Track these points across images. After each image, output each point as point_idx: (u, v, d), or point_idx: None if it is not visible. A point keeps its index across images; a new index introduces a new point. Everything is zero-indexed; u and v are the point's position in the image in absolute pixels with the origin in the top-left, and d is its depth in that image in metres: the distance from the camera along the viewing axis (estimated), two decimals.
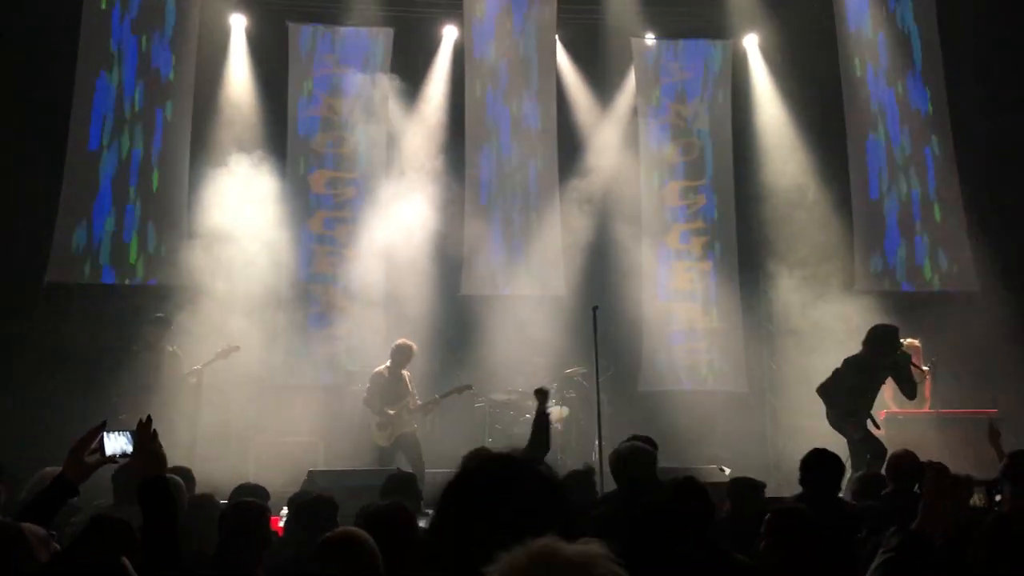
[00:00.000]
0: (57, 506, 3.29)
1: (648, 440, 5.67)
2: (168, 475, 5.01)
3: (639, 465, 4.89)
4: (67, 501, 3.32)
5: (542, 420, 5.81)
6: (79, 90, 11.02)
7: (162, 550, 2.94)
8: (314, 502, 4.74)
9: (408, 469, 8.62)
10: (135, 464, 3.14)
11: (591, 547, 1.37)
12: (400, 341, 9.62)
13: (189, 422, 8.97)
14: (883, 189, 12.06)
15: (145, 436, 3.12)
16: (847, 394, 8.23)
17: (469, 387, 9.90)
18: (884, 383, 8.58)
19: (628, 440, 5.40)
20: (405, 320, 10.52)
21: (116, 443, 3.30)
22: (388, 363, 9.53)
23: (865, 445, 8.09)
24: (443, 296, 11.30)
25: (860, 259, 11.77)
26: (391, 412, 9.37)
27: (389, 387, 9.46)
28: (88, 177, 10.94)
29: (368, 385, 9.57)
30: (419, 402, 9.58)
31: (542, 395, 6.01)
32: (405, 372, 9.57)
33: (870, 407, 8.35)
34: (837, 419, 8.27)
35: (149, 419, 3.17)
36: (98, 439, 3.29)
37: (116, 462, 3.35)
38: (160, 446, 3.13)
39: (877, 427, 8.34)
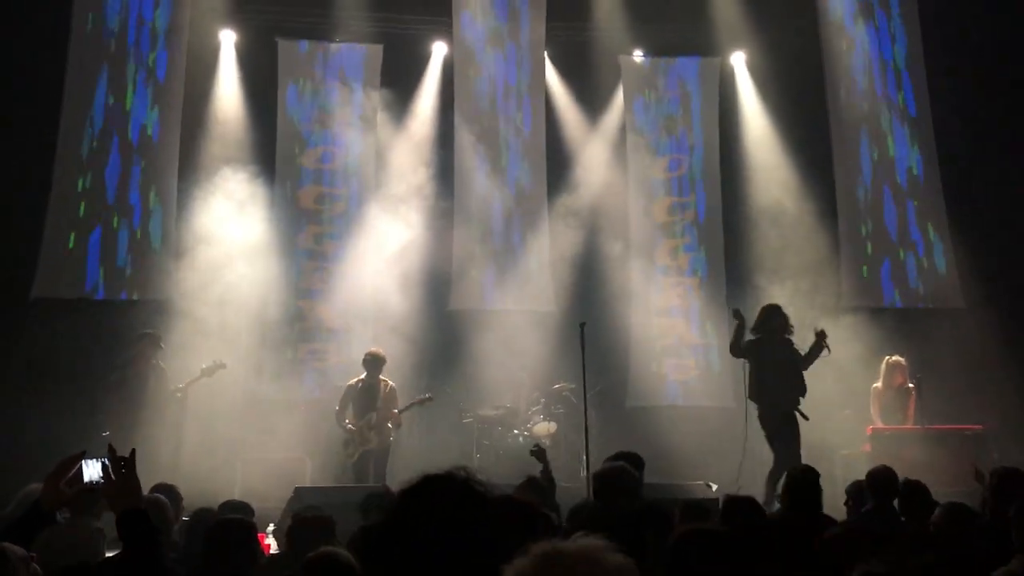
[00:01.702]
0: (33, 532, 3.21)
1: (634, 456, 5.65)
2: (154, 496, 5.04)
3: (623, 491, 4.80)
4: (43, 528, 3.23)
5: (547, 475, 5.99)
6: (67, 105, 11.03)
7: None
8: (310, 520, 4.71)
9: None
10: (106, 495, 3.06)
11: (590, 541, 1.39)
12: (369, 350, 9.50)
13: (174, 438, 8.95)
14: (869, 206, 12.14)
15: (117, 467, 3.05)
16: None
17: (430, 399, 9.70)
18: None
19: (613, 457, 5.37)
20: (393, 335, 10.52)
21: (93, 470, 3.23)
22: (363, 374, 9.40)
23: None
24: (432, 311, 11.32)
25: (846, 275, 11.84)
26: (351, 428, 9.24)
27: (358, 399, 9.32)
28: (76, 191, 10.93)
29: (340, 398, 9.46)
30: (385, 416, 9.30)
31: (540, 455, 6.20)
32: (383, 383, 9.38)
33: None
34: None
35: (132, 452, 3.09)
36: (76, 467, 3.21)
37: (93, 490, 3.28)
38: (135, 478, 3.05)
39: (805, 418, 8.38)
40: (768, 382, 8.43)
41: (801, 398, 8.46)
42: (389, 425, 9.31)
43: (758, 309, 9.05)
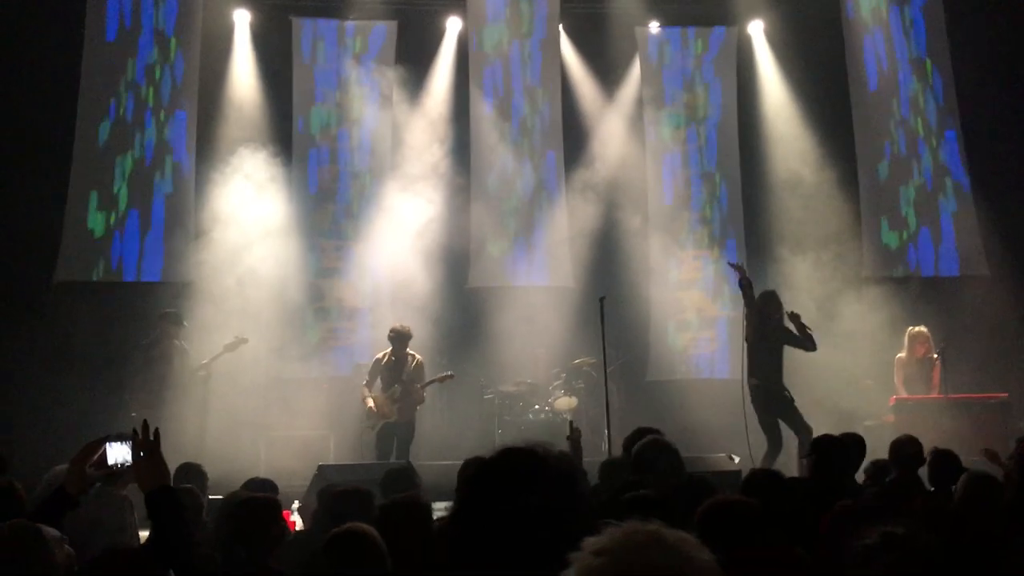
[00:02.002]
0: (59, 516, 3.21)
1: (655, 432, 5.64)
2: (186, 486, 5.06)
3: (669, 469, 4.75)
4: (67, 512, 3.24)
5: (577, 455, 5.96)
6: (85, 87, 11.06)
7: (176, 561, 2.94)
8: (344, 494, 4.72)
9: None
10: (134, 476, 3.09)
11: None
12: (393, 325, 9.47)
13: (199, 416, 9.02)
14: (890, 176, 12.02)
15: (145, 447, 3.06)
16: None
17: (451, 376, 9.70)
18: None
19: (637, 434, 5.31)
20: (413, 313, 10.52)
21: (119, 452, 3.23)
22: (389, 348, 9.41)
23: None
24: (451, 289, 11.32)
25: (868, 245, 11.75)
26: (370, 402, 9.27)
27: (385, 373, 9.34)
28: (96, 175, 10.98)
29: (368, 371, 9.52)
30: (409, 390, 9.26)
31: (576, 438, 6.16)
32: (411, 357, 9.35)
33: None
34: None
35: (157, 432, 3.10)
36: (101, 450, 3.20)
37: (118, 472, 3.29)
38: (161, 458, 3.07)
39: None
40: (763, 362, 8.56)
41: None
42: (414, 398, 9.30)
43: (781, 283, 9.04)
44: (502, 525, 1.67)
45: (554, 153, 12.08)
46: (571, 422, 6.35)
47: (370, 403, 9.25)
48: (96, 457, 3.21)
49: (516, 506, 1.68)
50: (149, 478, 3.04)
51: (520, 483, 1.72)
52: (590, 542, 1.36)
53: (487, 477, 1.76)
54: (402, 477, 5.37)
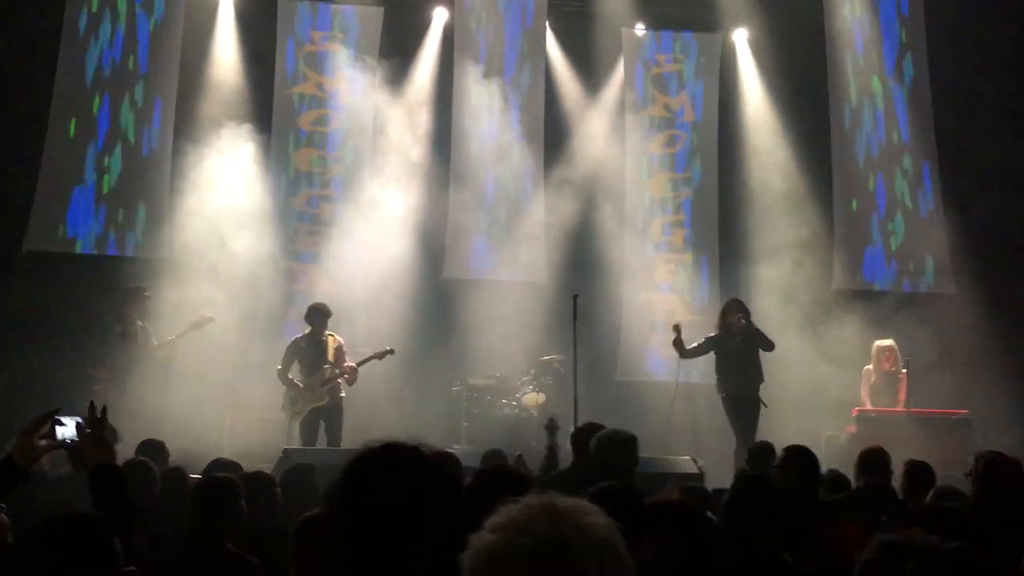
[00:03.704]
0: (7, 487, 3.18)
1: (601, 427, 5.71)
2: (139, 459, 5.04)
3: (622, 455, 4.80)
4: (17, 484, 3.18)
5: (552, 456, 6.06)
6: (63, 58, 10.92)
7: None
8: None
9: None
10: (81, 452, 3.13)
11: (582, 501, 1.41)
12: (313, 302, 9.17)
13: (160, 395, 8.93)
14: (865, 187, 12.16)
15: (92, 424, 3.10)
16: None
17: (391, 351, 9.27)
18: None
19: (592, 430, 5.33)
20: (385, 301, 10.51)
21: (68, 428, 3.24)
22: (307, 329, 9.03)
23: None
24: (425, 279, 11.31)
25: (839, 257, 11.88)
26: (300, 385, 8.84)
27: (305, 355, 8.91)
28: (70, 146, 10.85)
29: (283, 355, 9.01)
30: (336, 371, 8.86)
31: (552, 430, 6.22)
32: (331, 338, 9.01)
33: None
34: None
35: (104, 410, 3.15)
36: (51, 423, 3.21)
37: (67, 447, 3.29)
38: (105, 436, 3.11)
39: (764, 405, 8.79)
40: (728, 372, 8.83)
41: (760, 385, 8.89)
42: (340, 382, 8.94)
43: (752, 289, 9.15)
44: (374, 516, 1.68)
45: (534, 148, 12.08)
46: (552, 418, 6.45)
47: (301, 386, 8.84)
48: (46, 430, 3.20)
49: (382, 500, 1.70)
50: (94, 455, 3.07)
51: (395, 474, 1.73)
52: (489, 520, 1.37)
53: (362, 468, 1.77)
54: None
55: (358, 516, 1.71)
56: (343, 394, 9.04)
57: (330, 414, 8.87)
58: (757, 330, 8.94)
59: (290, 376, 8.96)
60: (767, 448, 6.10)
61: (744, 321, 8.91)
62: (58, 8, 10.93)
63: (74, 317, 9.87)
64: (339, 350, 9.00)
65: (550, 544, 1.32)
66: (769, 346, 8.92)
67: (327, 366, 8.87)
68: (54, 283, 10.30)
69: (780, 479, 4.85)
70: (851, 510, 4.72)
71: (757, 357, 8.93)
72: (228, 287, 10.14)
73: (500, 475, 3.16)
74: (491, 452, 6.03)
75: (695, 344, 9.11)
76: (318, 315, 8.94)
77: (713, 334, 9.11)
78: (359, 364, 9.01)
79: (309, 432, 8.83)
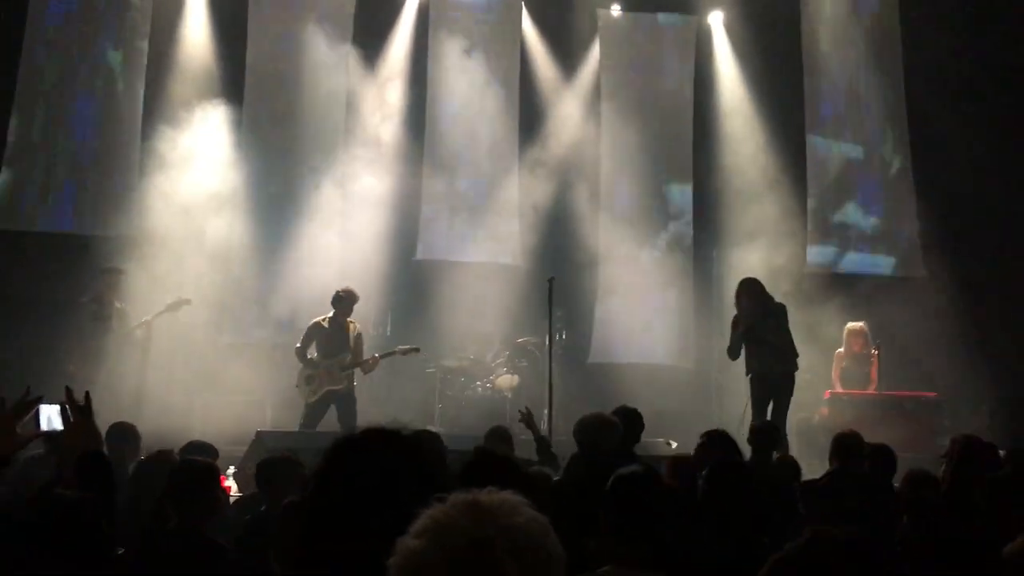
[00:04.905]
0: None
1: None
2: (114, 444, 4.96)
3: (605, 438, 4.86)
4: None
5: (543, 444, 5.96)
6: (30, 32, 10.73)
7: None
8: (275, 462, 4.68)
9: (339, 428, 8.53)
10: (67, 440, 3.08)
11: (510, 496, 1.40)
12: (340, 287, 9.15)
13: (136, 376, 8.84)
14: (838, 173, 12.25)
15: (76, 412, 3.05)
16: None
17: (416, 350, 9.41)
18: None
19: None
20: (359, 283, 10.38)
21: (52, 415, 3.19)
22: (331, 312, 9.05)
23: None
24: (398, 260, 11.27)
25: (811, 242, 11.97)
26: (322, 365, 8.88)
27: (327, 338, 8.95)
28: (38, 122, 10.69)
29: (304, 334, 9.04)
30: (361, 359, 8.96)
31: (528, 419, 6.13)
32: (352, 325, 9.06)
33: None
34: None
35: (88, 396, 3.09)
36: (33, 411, 3.16)
37: (49, 436, 3.24)
38: (93, 422, 3.07)
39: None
40: (749, 351, 8.33)
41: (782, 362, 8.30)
42: (356, 369, 9.00)
43: (725, 273, 9.07)
44: (360, 497, 1.69)
45: (509, 129, 12.03)
46: (524, 408, 6.34)
47: (320, 367, 8.89)
48: (27, 417, 3.14)
49: (374, 479, 1.70)
50: (81, 442, 3.03)
51: (379, 457, 1.74)
52: (414, 524, 1.38)
53: (347, 450, 1.78)
54: None
55: (328, 493, 1.73)
56: (356, 383, 9.09)
57: (345, 400, 8.91)
58: (770, 309, 8.28)
59: (309, 357, 8.96)
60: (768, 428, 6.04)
61: (747, 304, 8.31)
62: None
63: (44, 297, 9.71)
64: (359, 337, 9.07)
65: (472, 546, 1.32)
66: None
67: (348, 354, 8.92)
68: (23, 262, 10.14)
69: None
70: (821, 497, 4.77)
71: (780, 334, 8.31)
72: (199, 268, 10.03)
73: (493, 459, 3.17)
74: (493, 430, 5.94)
75: (730, 342, 8.44)
76: (344, 301, 8.96)
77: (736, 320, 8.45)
78: (382, 356, 9.10)
79: (316, 413, 8.84)
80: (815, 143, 12.26)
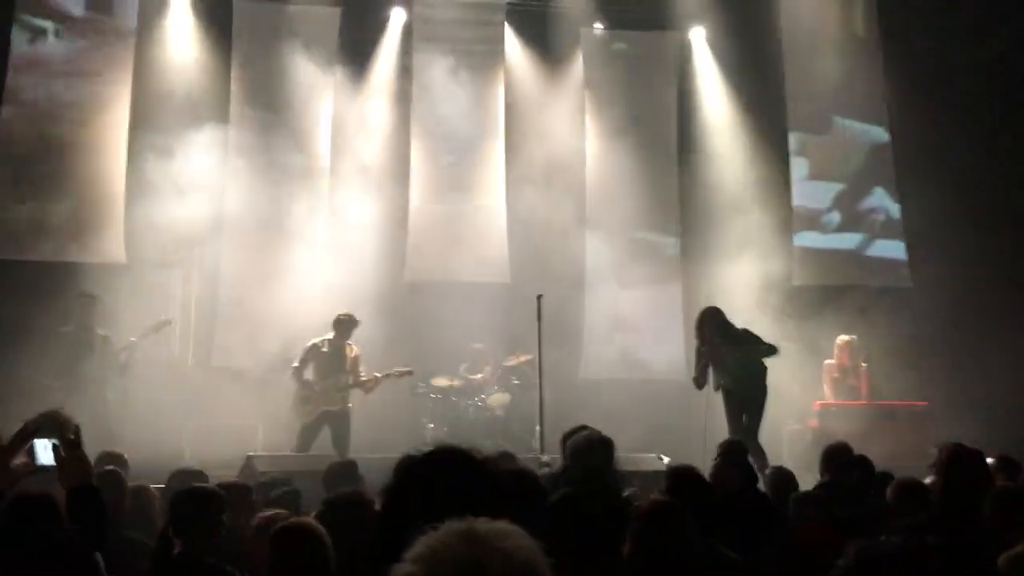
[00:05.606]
0: None
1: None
2: (108, 469, 4.92)
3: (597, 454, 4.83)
4: None
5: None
6: (16, 41, 10.71)
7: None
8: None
9: (332, 450, 8.46)
10: (62, 481, 3.08)
11: (503, 524, 1.42)
12: (340, 312, 9.19)
13: (119, 403, 8.76)
14: (823, 185, 12.32)
15: (67, 447, 3.05)
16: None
17: (410, 372, 9.55)
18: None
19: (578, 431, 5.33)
20: (348, 305, 10.34)
21: (45, 452, 3.15)
22: (329, 335, 9.09)
23: None
24: (386, 281, 11.23)
25: (799, 253, 12.01)
26: (318, 387, 8.91)
27: (324, 360, 8.97)
28: (20, 146, 10.62)
29: (301, 355, 9.11)
30: (361, 379, 9.06)
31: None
32: (350, 348, 9.10)
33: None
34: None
35: (78, 430, 3.10)
36: (29, 445, 3.12)
37: (45, 471, 3.21)
38: (84, 455, 3.08)
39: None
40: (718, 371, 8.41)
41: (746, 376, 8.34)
42: (352, 390, 9.04)
43: (714, 288, 9.09)
44: (433, 517, 1.68)
45: (496, 148, 12.07)
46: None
47: (316, 388, 8.90)
48: (23, 452, 3.12)
49: (430, 498, 1.74)
50: (73, 476, 3.03)
51: (432, 477, 1.79)
52: (409, 551, 1.39)
53: (404, 473, 1.82)
54: (346, 473, 5.31)
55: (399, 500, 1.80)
56: (351, 404, 9.08)
57: (340, 420, 8.91)
58: (733, 338, 8.29)
59: (306, 377, 8.98)
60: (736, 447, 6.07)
61: (708, 334, 8.29)
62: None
63: (25, 325, 9.59)
64: (356, 360, 9.09)
65: (468, 572, 1.33)
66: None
67: (346, 376, 8.97)
68: (2, 290, 10.05)
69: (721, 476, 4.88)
70: (812, 507, 4.76)
71: (742, 358, 8.30)
72: (185, 290, 10.01)
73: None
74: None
75: (695, 372, 8.48)
76: (344, 325, 9.02)
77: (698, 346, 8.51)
78: (383, 376, 9.15)
79: (309, 435, 8.84)
80: (799, 155, 12.33)
